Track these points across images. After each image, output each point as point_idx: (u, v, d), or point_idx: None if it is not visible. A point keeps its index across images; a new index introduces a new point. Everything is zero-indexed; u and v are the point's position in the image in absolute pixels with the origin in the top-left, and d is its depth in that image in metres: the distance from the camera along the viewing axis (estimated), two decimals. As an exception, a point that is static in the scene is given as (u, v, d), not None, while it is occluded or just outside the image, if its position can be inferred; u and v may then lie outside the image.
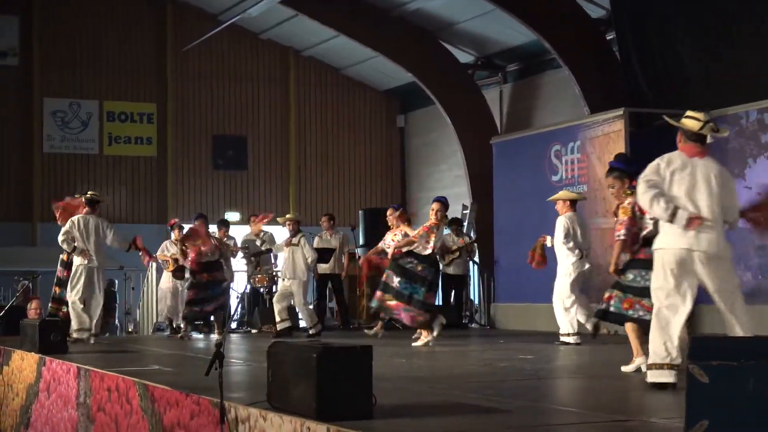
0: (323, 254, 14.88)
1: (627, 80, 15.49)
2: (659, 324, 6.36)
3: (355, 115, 24.54)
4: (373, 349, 5.08)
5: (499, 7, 17.71)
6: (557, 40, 17.20)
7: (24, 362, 10.18)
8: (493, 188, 16.76)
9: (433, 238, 11.30)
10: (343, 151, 24.42)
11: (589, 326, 11.32)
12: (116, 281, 18.99)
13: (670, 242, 6.39)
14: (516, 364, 9.25)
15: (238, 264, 15.98)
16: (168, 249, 15.58)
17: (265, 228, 16.97)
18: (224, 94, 23.68)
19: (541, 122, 18.78)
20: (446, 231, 16.32)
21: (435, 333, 11.50)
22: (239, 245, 16.07)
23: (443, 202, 11.59)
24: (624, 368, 7.78)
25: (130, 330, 17.91)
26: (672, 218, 6.29)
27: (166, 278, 15.60)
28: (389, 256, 11.58)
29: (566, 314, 11.44)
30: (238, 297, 16.09)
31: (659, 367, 6.32)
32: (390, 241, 12.01)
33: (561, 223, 11.49)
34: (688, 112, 6.59)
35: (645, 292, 7.56)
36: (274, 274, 15.95)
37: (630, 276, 7.74)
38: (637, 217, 7.70)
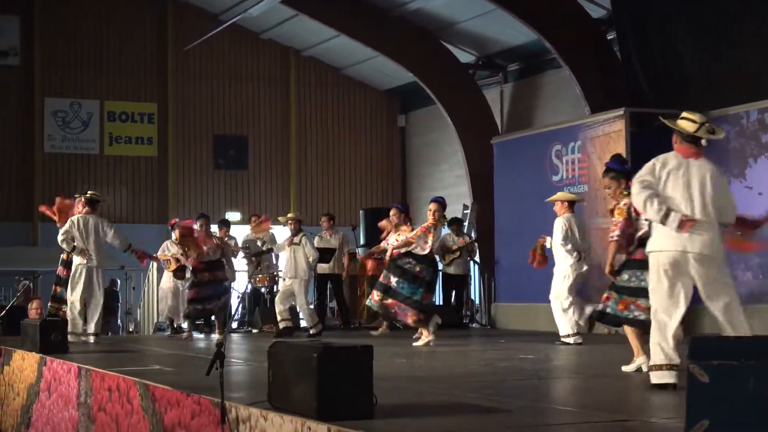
0: (324, 254, 14.89)
1: (628, 80, 15.49)
2: (657, 327, 6.37)
3: (355, 114, 24.55)
4: (374, 349, 5.08)
5: (499, 7, 17.71)
6: (558, 39, 17.20)
7: (25, 362, 10.19)
8: (493, 188, 16.77)
9: (431, 238, 11.31)
10: (344, 150, 24.42)
11: (582, 323, 11.39)
12: (118, 281, 18.99)
13: (663, 244, 6.39)
14: (516, 363, 9.25)
15: (239, 264, 15.98)
16: (169, 249, 15.58)
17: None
18: (225, 93, 23.69)
19: (542, 122, 18.77)
20: (446, 231, 16.34)
21: (434, 327, 11.55)
22: (240, 245, 16.09)
23: (440, 203, 11.61)
24: (624, 368, 7.78)
25: (130, 330, 17.90)
26: (664, 220, 6.30)
27: (167, 278, 15.61)
28: (387, 257, 11.57)
29: (565, 315, 11.43)
30: (239, 297, 16.09)
31: (659, 368, 6.34)
32: (394, 242, 11.99)
33: (559, 225, 11.49)
34: (685, 113, 6.59)
35: (640, 293, 7.58)
36: (275, 274, 15.96)
37: (625, 276, 7.76)
38: (632, 218, 7.71)
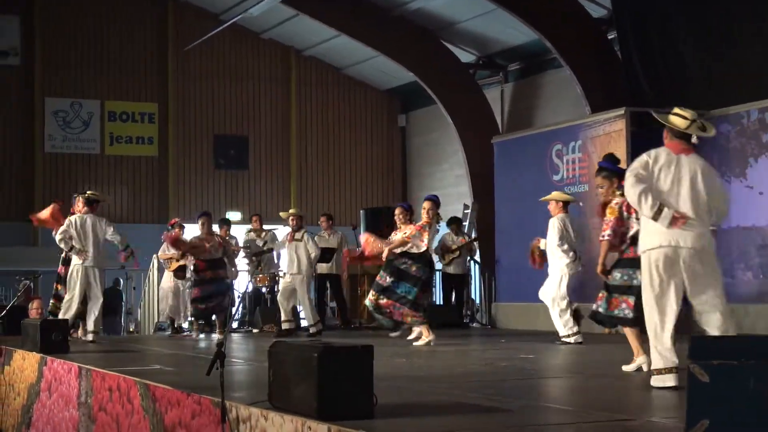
0: (324, 254, 14.90)
1: (628, 80, 15.49)
2: (653, 330, 6.37)
3: (356, 114, 24.55)
4: (374, 348, 5.08)
5: (500, 7, 17.71)
6: (558, 39, 17.20)
7: (25, 362, 10.19)
8: (494, 187, 16.77)
9: (426, 237, 11.33)
10: (345, 150, 24.43)
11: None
12: (121, 280, 18.99)
13: (655, 241, 6.38)
14: (517, 363, 9.25)
15: (240, 263, 16.00)
16: (169, 249, 15.59)
17: (267, 227, 17.02)
18: (225, 93, 23.69)
19: (543, 122, 18.77)
20: (446, 230, 16.35)
21: (416, 333, 11.57)
22: (241, 245, 16.10)
23: (434, 201, 11.63)
24: (625, 368, 7.78)
25: (131, 329, 17.91)
26: (657, 215, 6.30)
27: (168, 278, 15.63)
28: (383, 257, 11.57)
29: (563, 316, 11.44)
30: (239, 296, 16.11)
31: (659, 372, 6.34)
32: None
33: (554, 225, 11.48)
34: (676, 109, 6.60)
35: (630, 291, 7.60)
36: (276, 273, 15.96)
37: (617, 275, 7.77)
38: (624, 216, 7.72)
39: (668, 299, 6.31)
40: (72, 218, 12.43)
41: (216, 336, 13.87)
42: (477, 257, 17.77)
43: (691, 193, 6.39)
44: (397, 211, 11.90)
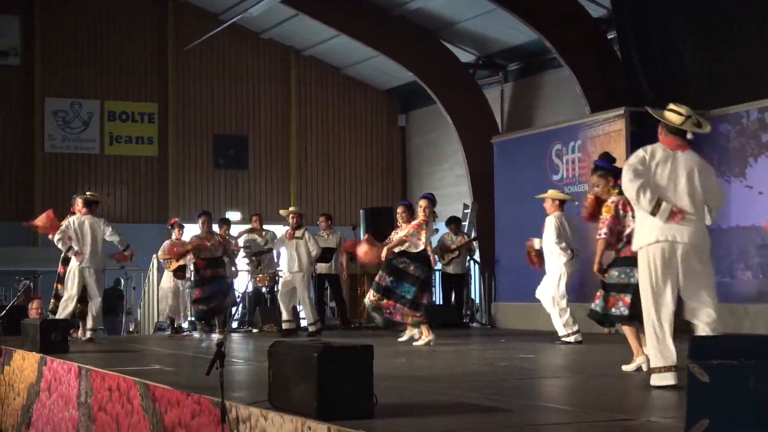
0: (325, 253, 14.91)
1: (628, 79, 15.49)
2: (651, 328, 6.36)
3: (356, 114, 24.55)
4: (374, 348, 5.08)
5: (500, 7, 17.71)
6: (558, 39, 17.20)
7: (25, 362, 10.19)
8: (494, 187, 16.77)
9: (423, 235, 11.34)
10: (344, 150, 24.42)
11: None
12: (122, 280, 18.99)
13: (653, 236, 6.38)
14: (517, 363, 9.25)
15: (241, 263, 16.00)
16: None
17: (267, 227, 17.03)
18: (225, 93, 23.69)
19: (542, 121, 18.77)
20: (445, 230, 16.36)
21: (408, 334, 11.57)
22: (240, 244, 16.10)
23: (430, 199, 11.64)
24: (625, 367, 7.78)
25: (131, 329, 17.92)
26: (655, 210, 6.30)
27: (167, 278, 15.63)
28: (383, 256, 11.58)
29: (563, 315, 11.43)
30: (239, 296, 16.11)
31: (659, 370, 6.34)
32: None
33: (551, 223, 11.48)
34: (671, 105, 6.61)
35: (627, 289, 7.60)
36: (276, 273, 15.96)
37: (614, 273, 7.78)
38: (620, 215, 7.73)
39: (666, 296, 6.32)
40: (71, 219, 12.43)
41: (216, 336, 13.87)
42: (477, 257, 17.78)
43: (688, 188, 6.40)
44: (399, 210, 11.91)
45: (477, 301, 17.96)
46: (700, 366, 3.50)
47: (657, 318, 6.32)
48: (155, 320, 16.82)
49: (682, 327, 6.48)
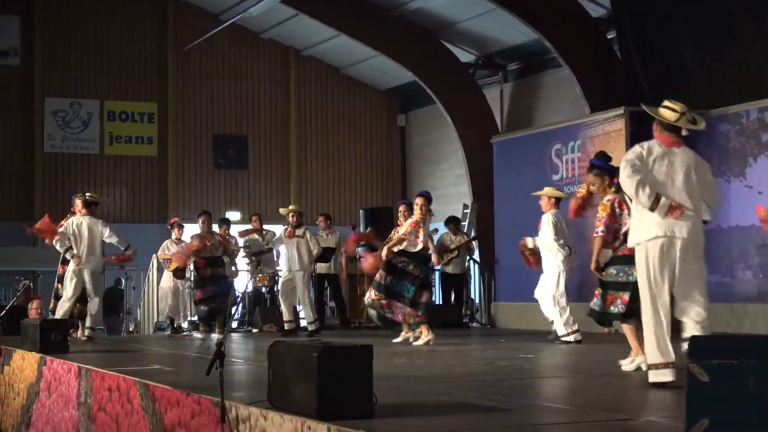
0: (325, 253, 14.91)
1: (628, 79, 15.49)
2: (649, 324, 6.36)
3: (355, 114, 24.54)
4: (374, 348, 5.08)
5: (499, 6, 17.71)
6: (558, 39, 17.20)
7: (25, 362, 10.19)
8: (493, 187, 16.77)
9: (421, 233, 11.35)
10: (344, 150, 24.42)
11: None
12: (123, 280, 18.98)
13: (652, 232, 6.38)
14: (516, 363, 9.25)
15: (240, 263, 16.00)
16: (169, 248, 15.61)
17: (267, 227, 17.03)
18: (225, 93, 23.68)
19: (542, 121, 18.77)
20: (444, 230, 16.36)
21: (403, 336, 11.57)
22: (240, 244, 16.10)
23: (426, 197, 11.66)
24: (625, 367, 7.78)
25: (131, 329, 17.92)
26: (655, 205, 6.31)
27: (167, 277, 15.64)
28: (383, 256, 11.58)
29: (563, 314, 11.42)
30: (239, 296, 16.11)
31: (656, 366, 6.34)
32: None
33: (549, 221, 11.45)
34: (666, 102, 6.61)
35: (626, 287, 7.60)
36: (276, 273, 15.96)
37: (613, 272, 7.77)
38: (616, 213, 7.73)
39: (664, 292, 6.32)
40: (70, 220, 12.44)
41: (215, 336, 13.87)
42: (476, 257, 17.77)
43: (686, 185, 6.42)
44: (401, 209, 11.94)
45: (477, 300, 17.96)
46: (700, 366, 3.50)
47: (655, 314, 6.32)
48: (155, 320, 16.82)
49: (673, 325, 6.48)
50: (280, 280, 14.39)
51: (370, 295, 11.60)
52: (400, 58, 20.55)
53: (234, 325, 15.96)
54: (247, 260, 16.25)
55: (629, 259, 7.15)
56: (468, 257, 17.03)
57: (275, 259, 16.23)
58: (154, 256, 16.39)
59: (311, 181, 24.11)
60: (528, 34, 18.41)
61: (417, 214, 11.43)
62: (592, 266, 7.88)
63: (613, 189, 7.85)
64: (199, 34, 22.11)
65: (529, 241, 11.76)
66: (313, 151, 24.18)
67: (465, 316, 16.99)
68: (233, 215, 21.57)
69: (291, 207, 14.43)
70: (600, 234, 7.77)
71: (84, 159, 22.65)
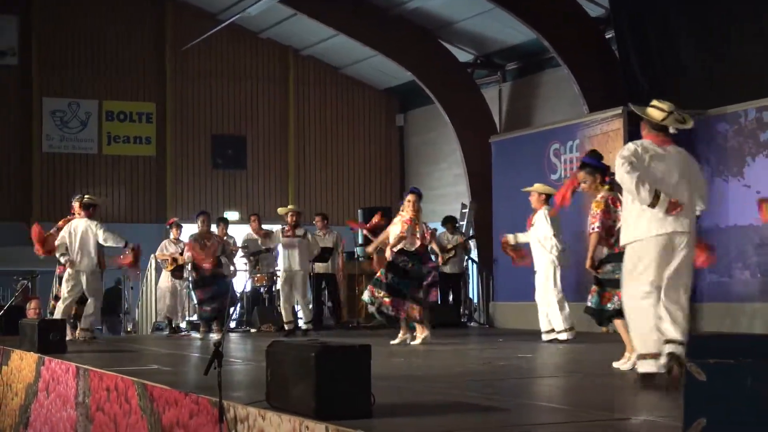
0: (323, 253, 14.91)
1: (626, 79, 15.48)
2: (638, 315, 6.37)
3: (354, 114, 24.54)
4: (372, 348, 5.08)
5: (498, 6, 17.71)
6: (556, 38, 17.20)
7: (23, 362, 10.18)
8: (492, 187, 16.77)
9: (418, 231, 11.39)
10: (343, 150, 24.42)
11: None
12: (122, 280, 18.96)
13: (652, 229, 6.38)
14: (515, 362, 9.25)
15: (239, 263, 16.00)
16: (167, 248, 15.61)
17: (267, 227, 17.00)
18: (223, 93, 23.68)
19: (541, 121, 18.78)
20: (442, 230, 16.36)
21: (401, 337, 11.56)
22: (239, 244, 16.10)
23: (417, 194, 11.70)
24: (622, 366, 7.77)
25: (129, 329, 17.92)
26: (655, 201, 6.31)
27: (165, 277, 15.64)
28: (387, 256, 11.58)
29: (562, 309, 11.40)
30: (237, 296, 16.11)
31: (643, 357, 6.35)
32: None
33: (543, 216, 11.40)
34: (654, 101, 6.63)
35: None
36: (274, 273, 15.96)
37: (609, 269, 7.78)
38: (611, 210, 7.73)
39: (655, 286, 6.34)
40: (71, 223, 12.46)
41: (214, 336, 13.87)
42: (475, 256, 17.77)
43: (682, 182, 6.44)
44: (410, 198, 11.93)
45: (475, 300, 17.96)
46: (697, 365, 3.50)
47: (643, 305, 6.33)
48: (153, 320, 16.82)
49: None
50: (279, 281, 14.39)
51: (375, 294, 11.59)
52: (399, 58, 20.56)
53: (232, 325, 15.96)
54: (245, 260, 16.24)
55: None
56: (466, 257, 17.02)
57: (274, 260, 16.23)
58: (152, 256, 16.38)
59: (310, 180, 24.12)
60: (526, 33, 18.42)
61: (409, 211, 11.45)
62: (587, 263, 7.87)
63: (605, 187, 7.85)
64: (197, 34, 22.11)
65: (511, 238, 11.70)
66: (311, 150, 24.19)
67: (463, 315, 16.99)
68: (231, 215, 21.57)
69: (289, 207, 14.44)
70: (596, 230, 7.76)
71: (82, 159, 22.65)
